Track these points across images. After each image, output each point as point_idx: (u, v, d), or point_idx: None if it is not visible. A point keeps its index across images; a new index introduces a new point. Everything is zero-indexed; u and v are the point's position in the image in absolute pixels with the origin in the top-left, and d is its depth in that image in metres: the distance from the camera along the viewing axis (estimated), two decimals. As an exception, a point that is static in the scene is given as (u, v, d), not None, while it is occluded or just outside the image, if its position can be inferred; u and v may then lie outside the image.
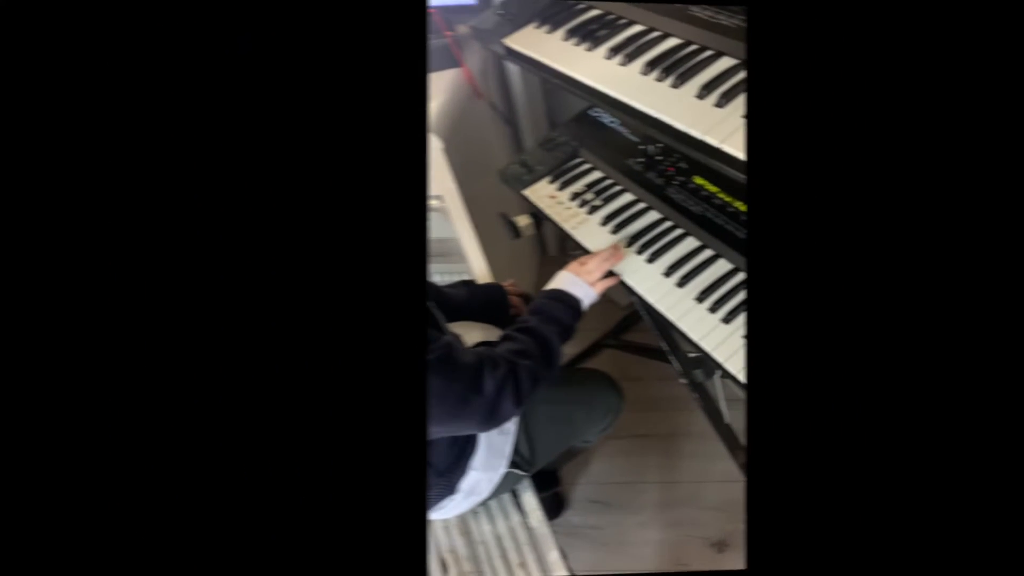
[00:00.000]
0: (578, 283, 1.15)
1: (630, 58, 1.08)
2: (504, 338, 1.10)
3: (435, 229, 1.70)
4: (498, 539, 1.33)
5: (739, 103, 0.91)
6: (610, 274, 1.18)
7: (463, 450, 1.21)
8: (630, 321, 2.20)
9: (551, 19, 1.25)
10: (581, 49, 1.16)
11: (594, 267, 1.16)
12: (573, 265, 1.18)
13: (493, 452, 1.24)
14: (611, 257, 1.18)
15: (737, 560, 1.59)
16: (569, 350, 2.17)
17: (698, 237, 1.20)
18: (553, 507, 1.86)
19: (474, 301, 1.37)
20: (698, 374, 1.37)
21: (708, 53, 1.03)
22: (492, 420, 1.01)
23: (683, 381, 1.40)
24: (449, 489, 1.23)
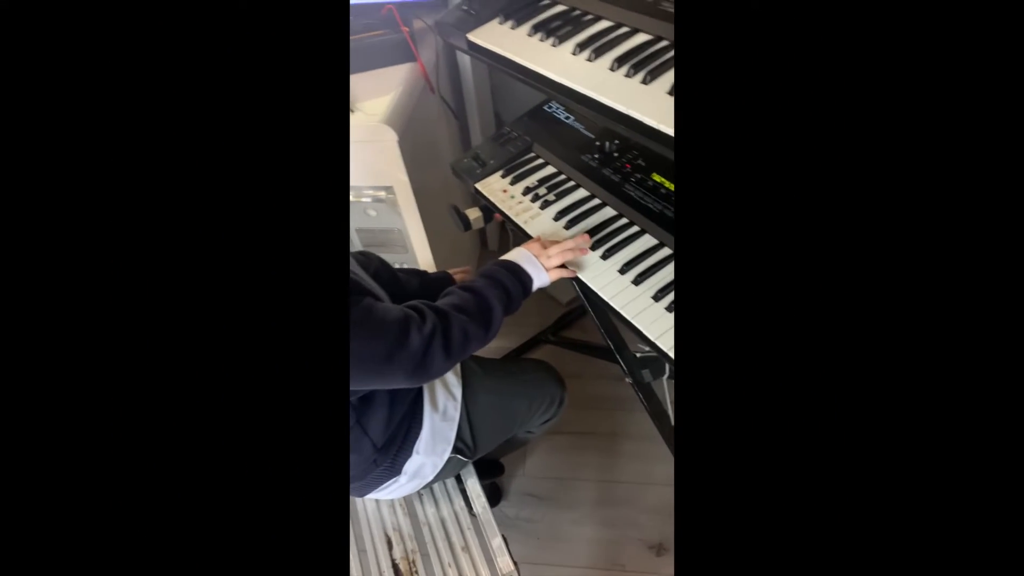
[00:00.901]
0: (535, 263, 1.13)
1: (598, 54, 1.07)
2: (446, 293, 1.09)
3: (382, 219, 1.70)
4: (442, 522, 1.35)
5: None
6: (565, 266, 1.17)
7: (409, 429, 1.22)
8: (570, 318, 2.21)
9: (515, 15, 1.25)
10: (547, 45, 1.15)
11: (555, 253, 1.14)
12: (535, 245, 1.16)
13: (437, 437, 1.24)
14: (575, 248, 1.16)
15: (677, 564, 1.59)
16: (507, 344, 2.18)
17: (655, 235, 1.21)
18: (490, 496, 1.85)
19: (425, 293, 1.36)
20: (645, 374, 1.38)
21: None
22: (420, 373, 0.98)
23: (629, 380, 1.40)
24: (394, 471, 1.23)
